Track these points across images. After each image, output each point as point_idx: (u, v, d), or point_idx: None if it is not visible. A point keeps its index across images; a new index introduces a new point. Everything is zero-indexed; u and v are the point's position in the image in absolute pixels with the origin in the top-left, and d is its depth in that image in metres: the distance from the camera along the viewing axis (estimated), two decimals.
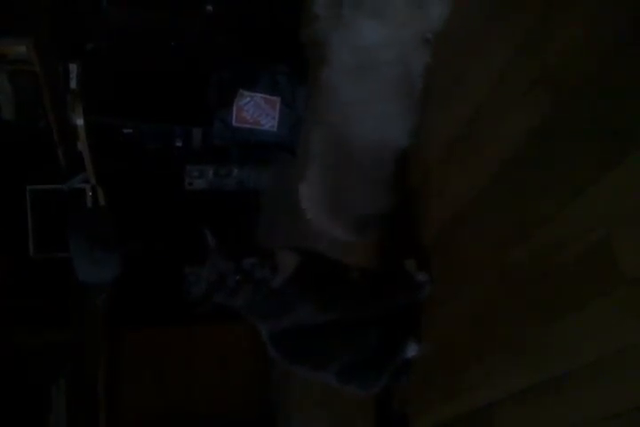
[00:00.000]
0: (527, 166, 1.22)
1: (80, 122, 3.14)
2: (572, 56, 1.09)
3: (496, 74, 1.34)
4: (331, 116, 1.86)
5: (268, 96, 2.90)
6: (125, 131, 3.34)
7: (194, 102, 3.10)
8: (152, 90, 3.11)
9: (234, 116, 2.99)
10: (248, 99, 2.93)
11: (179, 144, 3.36)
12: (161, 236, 3.98)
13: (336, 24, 1.63)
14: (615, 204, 0.98)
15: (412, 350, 1.71)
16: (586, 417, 1.04)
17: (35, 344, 3.86)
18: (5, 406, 3.41)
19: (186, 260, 4.20)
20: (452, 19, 1.53)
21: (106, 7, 2.92)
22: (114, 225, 3.77)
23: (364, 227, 1.89)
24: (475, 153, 1.43)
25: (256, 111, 2.96)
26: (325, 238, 1.98)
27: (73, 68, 3.25)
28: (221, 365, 3.70)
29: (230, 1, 2.90)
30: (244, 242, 1.52)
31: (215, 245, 1.47)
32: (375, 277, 1.67)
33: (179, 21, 2.93)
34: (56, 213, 4.04)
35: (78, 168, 3.67)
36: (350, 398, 1.98)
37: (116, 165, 3.60)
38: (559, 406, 1.11)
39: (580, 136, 1.06)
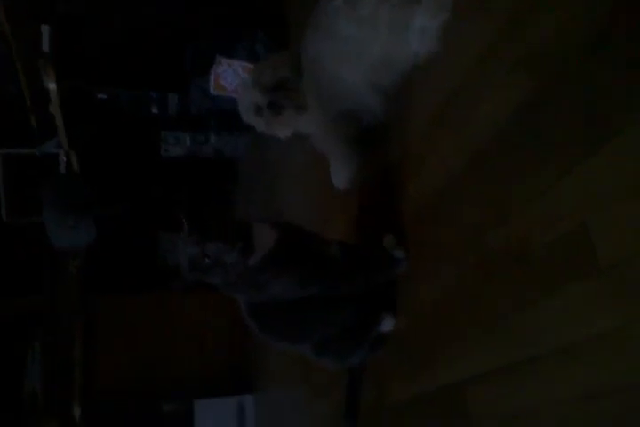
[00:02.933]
0: (506, 149, 1.22)
1: (52, 86, 3.06)
2: (557, 41, 1.08)
3: (476, 54, 1.32)
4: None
5: (246, 64, 2.85)
6: (99, 96, 3.27)
7: (169, 67, 3.04)
8: (127, 54, 3.04)
9: (212, 84, 2.94)
10: (226, 66, 2.88)
11: (154, 111, 3.30)
12: (136, 202, 3.94)
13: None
14: (594, 190, 0.99)
15: (387, 324, 1.74)
16: (558, 398, 1.07)
17: (8, 309, 3.85)
18: None
19: (161, 226, 4.20)
20: None
21: None
22: (87, 191, 3.72)
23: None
24: (454, 132, 1.43)
25: (235, 79, 2.91)
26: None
27: (45, 29, 3.15)
28: (195, 330, 3.73)
29: None
30: (221, 217, 1.48)
31: (187, 228, 1.44)
32: (353, 251, 1.68)
33: None
34: (29, 178, 3.99)
35: (51, 133, 3.61)
36: (326, 369, 2.01)
37: (90, 131, 3.53)
38: (531, 385, 1.14)
39: (562, 121, 1.06)
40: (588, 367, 1.00)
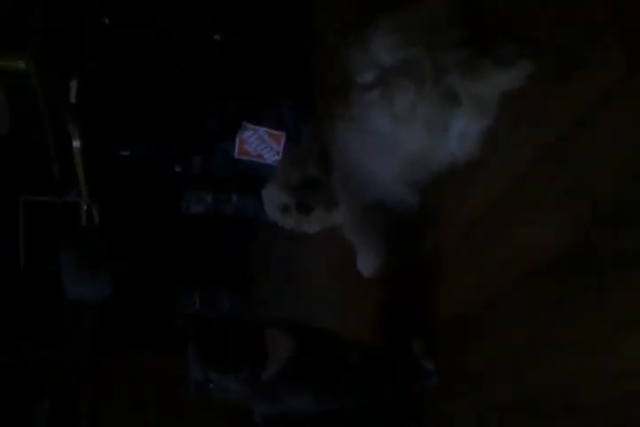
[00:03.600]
0: (560, 280, 1.09)
1: (76, 143, 3.03)
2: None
3: (522, 169, 1.22)
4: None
5: (272, 131, 2.79)
6: (122, 153, 3.22)
7: (194, 130, 2.99)
8: (152, 115, 3.00)
9: (236, 149, 2.88)
10: (252, 132, 2.82)
11: (178, 170, 3.24)
12: (153, 258, 3.88)
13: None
14: None
15: None
16: None
17: (21, 361, 3.77)
18: None
19: (178, 282, 4.12)
20: None
21: (109, 26, 2.79)
22: (106, 245, 3.68)
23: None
24: (493, 248, 1.32)
25: (259, 145, 2.85)
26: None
27: (73, 84, 3.14)
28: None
29: (240, 31, 2.76)
30: (229, 331, 1.36)
31: (191, 350, 1.34)
32: (378, 360, 1.55)
33: (184, 49, 2.80)
34: (49, 226, 3.96)
35: (73, 182, 3.58)
36: None
37: (112, 187, 3.50)
38: None
39: (625, 263, 0.94)
40: None
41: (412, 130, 1.43)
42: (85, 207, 3.72)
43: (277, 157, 2.84)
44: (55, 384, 3.75)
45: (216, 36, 2.76)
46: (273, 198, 1.60)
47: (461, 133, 1.38)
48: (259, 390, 1.36)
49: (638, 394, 0.89)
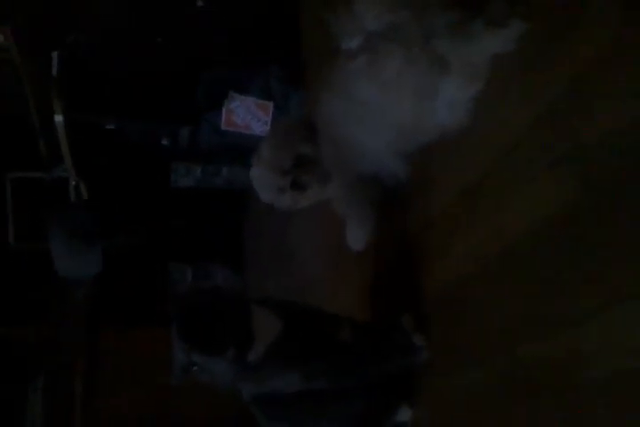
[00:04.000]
0: (552, 251, 1.05)
1: (59, 118, 2.95)
2: (611, 144, 0.91)
3: (512, 137, 1.16)
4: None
5: (259, 100, 2.71)
6: (108, 127, 3.15)
7: (181, 101, 2.92)
8: (137, 86, 2.92)
9: (223, 120, 2.81)
10: (238, 102, 2.75)
11: (165, 142, 3.17)
12: (144, 232, 3.83)
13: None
14: None
15: (403, 415, 1.57)
16: None
17: (14, 339, 3.75)
18: None
19: (169, 256, 4.08)
20: None
21: None
22: (96, 220, 3.62)
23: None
24: (483, 218, 1.27)
25: (247, 115, 2.77)
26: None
27: (55, 55, 3.04)
28: None
29: None
30: (213, 310, 1.32)
31: (175, 332, 1.30)
32: (368, 335, 1.51)
33: (166, 16, 2.71)
34: (38, 202, 3.91)
35: (60, 157, 3.51)
36: None
37: (98, 161, 3.42)
38: None
39: (620, 234, 0.89)
40: None
41: (400, 98, 1.36)
42: (74, 183, 3.65)
43: (265, 128, 2.77)
44: (50, 361, 3.74)
45: (199, 3, 2.66)
46: (265, 180, 1.54)
47: (451, 100, 1.31)
48: (244, 371, 1.32)
49: (631, 370, 0.85)
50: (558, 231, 1.02)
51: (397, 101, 1.36)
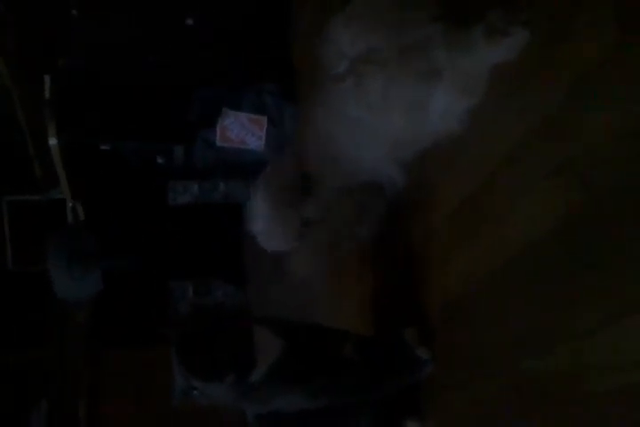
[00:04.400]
0: (551, 265, 1.03)
1: (53, 141, 2.94)
2: (612, 148, 0.90)
3: (510, 147, 1.15)
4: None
5: (253, 115, 2.71)
6: (103, 147, 3.14)
7: (174, 119, 2.91)
8: (130, 106, 2.91)
9: (217, 136, 2.80)
10: (232, 118, 2.74)
11: (160, 161, 3.16)
12: (144, 252, 3.81)
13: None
14: None
15: None
16: None
17: (15, 363, 3.72)
18: None
19: (170, 276, 4.06)
20: None
21: (76, 19, 2.69)
22: (94, 241, 3.60)
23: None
24: (483, 232, 1.25)
25: (241, 131, 2.77)
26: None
27: (47, 79, 3.04)
28: None
29: (212, 14, 2.67)
30: (213, 333, 1.30)
31: (175, 358, 1.28)
32: (371, 351, 1.50)
33: (156, 35, 2.71)
34: (35, 225, 3.90)
35: (56, 179, 3.51)
36: None
37: (95, 182, 3.41)
38: None
39: (621, 247, 0.88)
40: None
41: (390, 114, 1.36)
42: (70, 204, 3.64)
43: (260, 142, 2.77)
44: (52, 384, 3.71)
45: (188, 21, 2.66)
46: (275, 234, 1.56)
47: (445, 112, 1.30)
48: (246, 392, 1.30)
49: (636, 384, 0.84)
50: (558, 243, 1.01)
51: (387, 117, 1.37)
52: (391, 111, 1.32)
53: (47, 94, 3.07)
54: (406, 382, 1.49)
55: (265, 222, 1.53)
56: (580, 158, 0.95)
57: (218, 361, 1.25)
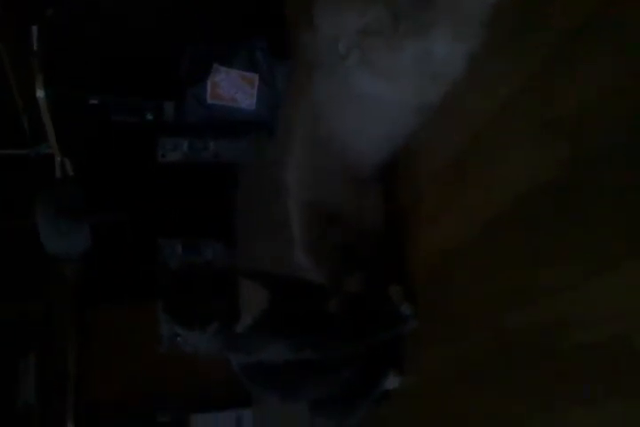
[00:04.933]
0: (536, 221, 1.05)
1: (40, 93, 2.90)
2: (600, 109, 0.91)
3: (503, 100, 1.15)
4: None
5: (245, 73, 2.67)
6: (91, 102, 3.09)
7: (165, 75, 2.86)
8: (119, 60, 2.86)
9: (208, 93, 2.76)
10: (223, 75, 2.70)
11: (150, 117, 3.12)
12: (132, 208, 3.80)
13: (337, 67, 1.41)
14: (635, 299, 0.83)
15: (392, 383, 1.59)
16: None
17: (2, 316, 3.74)
18: None
19: (158, 233, 4.07)
20: None
21: None
22: (83, 197, 3.59)
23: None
24: (472, 186, 1.27)
25: (232, 88, 2.73)
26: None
27: (34, 30, 2.98)
28: None
29: None
30: (200, 281, 1.31)
31: (161, 306, 1.30)
32: (356, 306, 1.52)
33: None
34: (23, 180, 3.87)
35: (44, 134, 3.47)
36: None
37: (83, 136, 3.38)
38: None
39: (606, 203, 0.89)
40: None
41: (400, 81, 1.36)
42: (59, 159, 3.61)
43: (252, 100, 2.74)
44: (41, 338, 3.75)
45: None
46: None
47: (446, 57, 1.30)
48: (231, 342, 1.33)
49: (615, 337, 0.86)
50: (543, 200, 1.02)
51: (398, 87, 1.37)
52: (399, 78, 1.32)
53: (35, 46, 3.01)
54: (389, 337, 1.52)
55: None
56: (566, 116, 0.96)
57: (201, 310, 1.27)
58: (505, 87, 1.14)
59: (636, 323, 0.83)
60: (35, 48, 2.95)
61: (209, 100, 2.80)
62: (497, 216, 1.16)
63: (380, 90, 1.35)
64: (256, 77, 2.69)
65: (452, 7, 1.24)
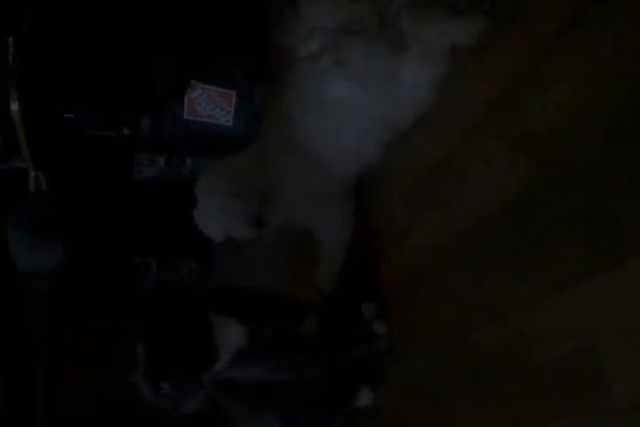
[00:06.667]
0: (504, 237, 1.05)
1: (14, 106, 2.87)
2: (564, 124, 0.92)
3: (472, 120, 1.16)
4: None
5: (222, 89, 2.67)
6: (66, 115, 3.06)
7: (142, 90, 2.85)
8: (96, 74, 2.84)
9: (185, 109, 2.76)
10: (201, 91, 2.70)
11: (126, 132, 3.10)
12: (106, 226, 3.76)
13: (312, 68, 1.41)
14: (607, 313, 0.83)
15: (364, 398, 1.58)
16: None
17: None
18: None
19: (132, 250, 4.02)
20: None
21: None
22: (56, 212, 3.54)
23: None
24: (441, 203, 1.27)
25: (209, 104, 2.73)
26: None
27: (10, 41, 2.96)
28: None
29: None
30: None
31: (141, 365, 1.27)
32: (330, 326, 1.50)
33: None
34: None
35: (18, 148, 3.42)
36: None
37: (57, 150, 3.34)
38: None
39: (568, 220, 0.90)
40: None
41: (370, 88, 1.37)
42: (34, 174, 3.56)
43: (229, 117, 2.74)
44: (8, 359, 3.66)
45: None
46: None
47: (412, 82, 1.31)
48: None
49: (581, 352, 0.86)
50: (508, 216, 1.03)
51: (367, 92, 1.37)
52: (371, 84, 1.32)
53: (10, 58, 2.98)
54: (363, 354, 1.51)
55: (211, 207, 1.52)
56: (536, 131, 0.96)
57: (177, 364, 1.23)
58: (476, 103, 1.15)
59: (602, 338, 0.82)
60: (10, 60, 2.93)
61: (186, 116, 2.79)
62: (467, 232, 1.16)
63: (349, 92, 1.35)
64: (233, 94, 2.68)
65: (421, 39, 1.26)
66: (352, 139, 1.46)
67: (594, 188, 0.85)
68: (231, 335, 1.28)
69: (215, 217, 1.52)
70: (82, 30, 2.80)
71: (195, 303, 1.36)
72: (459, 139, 1.20)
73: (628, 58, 0.83)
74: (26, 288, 3.82)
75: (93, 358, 3.60)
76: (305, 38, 1.40)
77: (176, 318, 1.30)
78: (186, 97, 2.70)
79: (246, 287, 1.58)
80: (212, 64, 2.68)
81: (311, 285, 1.79)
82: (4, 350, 3.64)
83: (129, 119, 3.03)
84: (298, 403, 1.52)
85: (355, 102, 1.38)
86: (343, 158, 1.52)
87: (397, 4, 1.29)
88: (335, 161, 1.54)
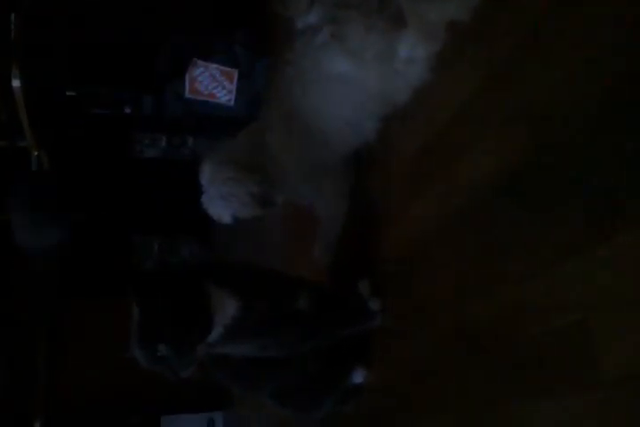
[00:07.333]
0: (498, 210, 1.04)
1: (16, 83, 2.86)
2: (562, 100, 0.90)
3: (469, 94, 1.15)
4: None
5: (224, 68, 2.65)
6: (68, 93, 3.06)
7: (144, 68, 2.83)
8: (99, 51, 2.83)
9: (186, 87, 2.74)
10: (202, 69, 2.68)
11: (127, 111, 3.09)
12: (108, 204, 3.76)
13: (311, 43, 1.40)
14: (594, 287, 0.82)
15: (359, 377, 1.58)
16: None
17: None
18: None
19: (133, 230, 4.02)
20: None
21: None
22: (58, 191, 3.54)
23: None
24: (438, 180, 1.26)
25: (211, 83, 2.71)
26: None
27: (13, 19, 2.94)
28: None
29: None
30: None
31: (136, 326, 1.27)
32: (326, 302, 1.49)
33: None
34: None
35: (20, 126, 3.42)
36: None
37: (60, 129, 3.33)
38: None
39: (567, 192, 0.89)
40: None
41: (366, 63, 1.36)
42: (36, 153, 3.56)
43: (230, 96, 2.72)
44: (9, 335, 3.68)
45: None
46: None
47: (409, 58, 1.30)
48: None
49: (575, 326, 0.85)
50: (503, 191, 1.02)
51: (364, 67, 1.36)
52: (368, 60, 1.31)
53: (13, 34, 2.97)
54: (357, 330, 1.51)
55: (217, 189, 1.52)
56: (535, 103, 0.95)
57: (183, 328, 1.24)
58: (473, 80, 1.14)
59: (594, 310, 0.82)
60: (12, 36, 2.91)
61: (187, 95, 2.77)
62: (463, 207, 1.15)
63: (346, 67, 1.34)
64: (235, 72, 2.67)
65: (419, 15, 1.24)
66: (349, 112, 1.45)
67: (592, 160, 0.84)
68: (227, 307, 1.28)
69: (222, 203, 1.51)
70: (85, 8, 2.78)
71: (194, 273, 1.36)
72: (455, 113, 1.19)
73: (628, 29, 0.81)
74: (26, 266, 3.83)
75: (94, 331, 3.62)
76: (304, 11, 1.38)
77: (174, 284, 1.30)
78: (187, 75, 2.69)
79: (244, 263, 1.57)
80: (213, 42, 2.66)
81: (307, 258, 1.79)
82: (5, 323, 3.66)
83: (131, 98, 3.02)
84: (292, 380, 1.52)
85: (351, 77, 1.36)
86: (341, 131, 1.51)
87: None
88: (333, 134, 1.53)
